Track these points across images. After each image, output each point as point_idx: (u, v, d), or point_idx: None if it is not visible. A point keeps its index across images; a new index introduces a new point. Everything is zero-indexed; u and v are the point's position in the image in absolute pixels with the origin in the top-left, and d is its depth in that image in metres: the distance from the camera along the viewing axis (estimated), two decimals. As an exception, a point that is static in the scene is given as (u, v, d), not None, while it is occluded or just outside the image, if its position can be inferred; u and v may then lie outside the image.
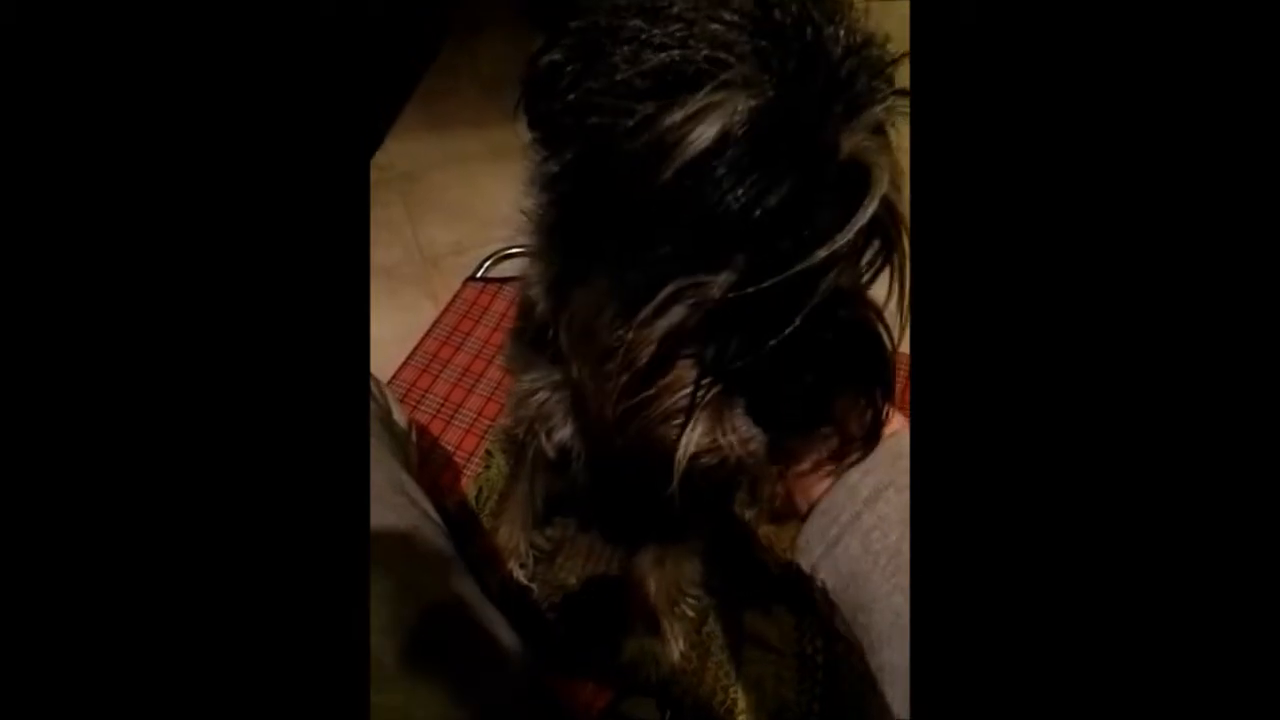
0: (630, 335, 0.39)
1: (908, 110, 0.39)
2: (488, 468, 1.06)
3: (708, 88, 0.36)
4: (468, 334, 1.26)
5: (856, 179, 0.38)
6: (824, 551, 0.43)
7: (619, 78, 0.39)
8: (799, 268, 0.36)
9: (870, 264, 0.44)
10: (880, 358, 0.39)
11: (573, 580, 0.94)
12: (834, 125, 0.37)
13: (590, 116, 0.41)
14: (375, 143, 1.64)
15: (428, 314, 1.31)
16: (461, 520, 0.98)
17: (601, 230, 0.43)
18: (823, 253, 0.36)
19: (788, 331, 0.35)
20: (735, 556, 0.94)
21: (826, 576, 0.42)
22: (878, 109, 0.38)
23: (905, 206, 0.41)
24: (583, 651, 0.86)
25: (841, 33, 0.37)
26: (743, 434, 0.37)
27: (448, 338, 1.26)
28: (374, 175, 1.60)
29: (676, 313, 0.38)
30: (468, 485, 1.05)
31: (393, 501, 0.58)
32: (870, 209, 0.37)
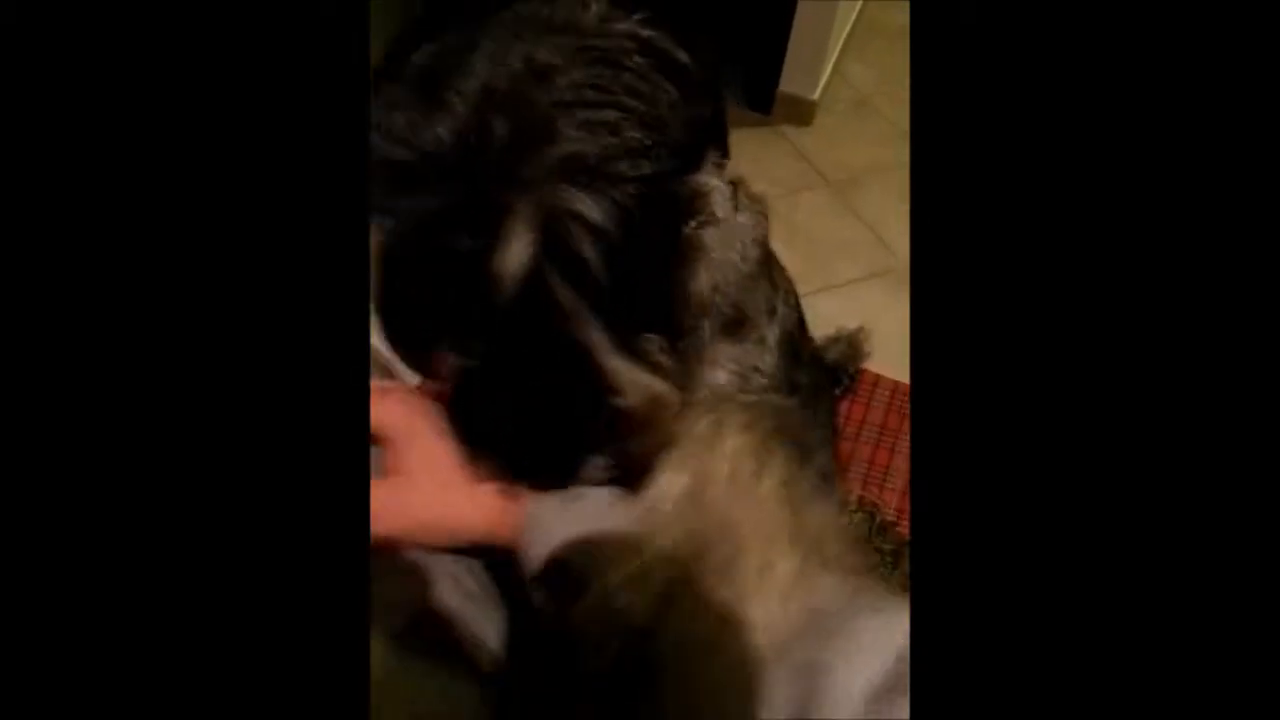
0: None
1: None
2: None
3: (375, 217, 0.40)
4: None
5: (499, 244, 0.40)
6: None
7: None
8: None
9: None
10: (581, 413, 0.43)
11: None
12: (493, 205, 0.39)
13: None
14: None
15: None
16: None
17: None
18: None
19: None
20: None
21: None
22: (563, 190, 0.39)
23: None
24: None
25: (505, 121, 0.39)
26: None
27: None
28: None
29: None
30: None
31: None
32: (508, 276, 0.39)
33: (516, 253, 0.39)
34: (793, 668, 0.39)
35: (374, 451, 0.47)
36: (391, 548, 0.48)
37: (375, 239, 0.41)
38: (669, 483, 0.45)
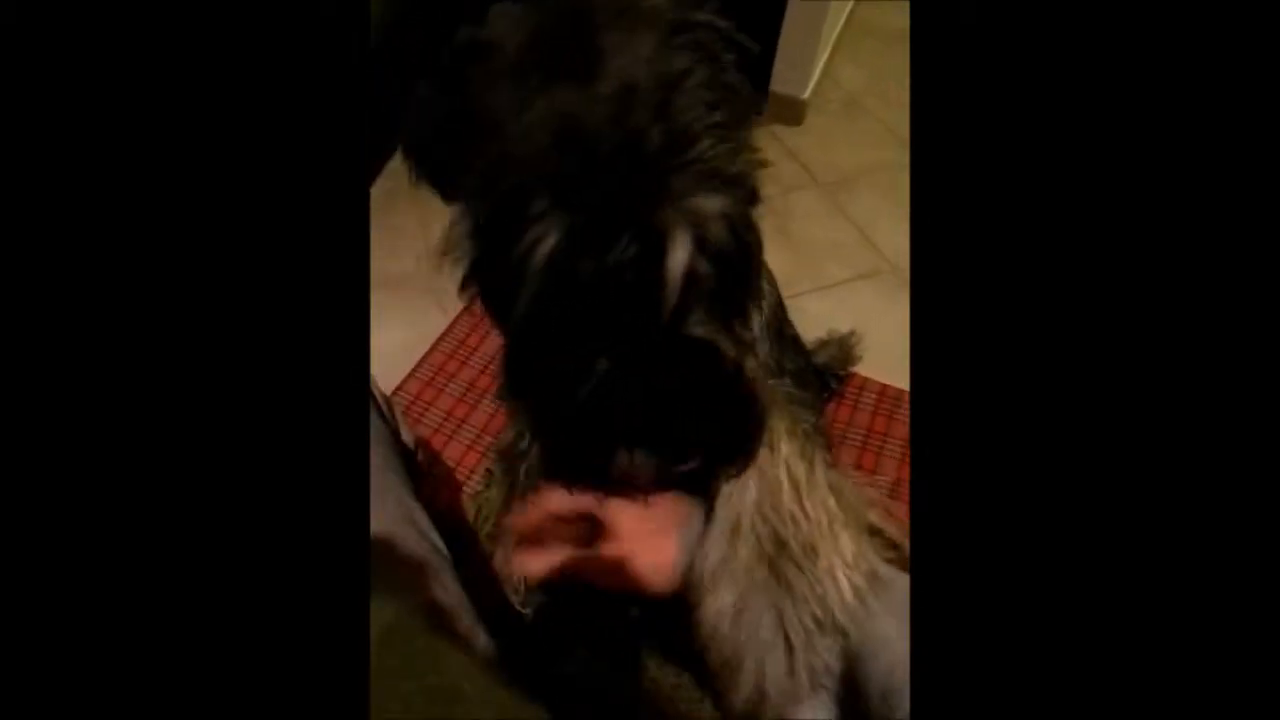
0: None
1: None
2: (488, 486, 1.06)
3: (534, 228, 0.40)
4: (475, 349, 1.26)
5: (658, 256, 0.42)
6: None
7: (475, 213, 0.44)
8: (638, 359, 0.42)
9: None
10: (732, 394, 0.46)
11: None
12: (648, 216, 0.40)
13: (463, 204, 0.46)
14: (390, 151, 1.64)
15: (436, 325, 1.32)
16: (459, 539, 0.98)
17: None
18: (650, 341, 0.42)
19: (659, 400, 0.43)
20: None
21: None
22: (703, 197, 0.41)
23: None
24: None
25: (660, 130, 0.40)
26: (650, 467, 0.46)
27: (454, 351, 1.26)
28: (387, 183, 1.60)
29: (581, 394, 0.45)
30: (467, 503, 1.05)
31: (404, 534, 0.59)
32: (671, 291, 0.41)
33: (680, 259, 0.41)
34: (858, 625, 0.48)
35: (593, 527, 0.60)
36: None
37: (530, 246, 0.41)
38: (742, 494, 0.53)
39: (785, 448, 0.54)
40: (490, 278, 0.46)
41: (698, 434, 0.45)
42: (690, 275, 0.42)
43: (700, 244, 0.42)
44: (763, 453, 0.52)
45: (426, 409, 1.17)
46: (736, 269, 0.45)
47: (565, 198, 0.40)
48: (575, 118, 0.40)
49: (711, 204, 0.42)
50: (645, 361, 0.43)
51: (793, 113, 1.84)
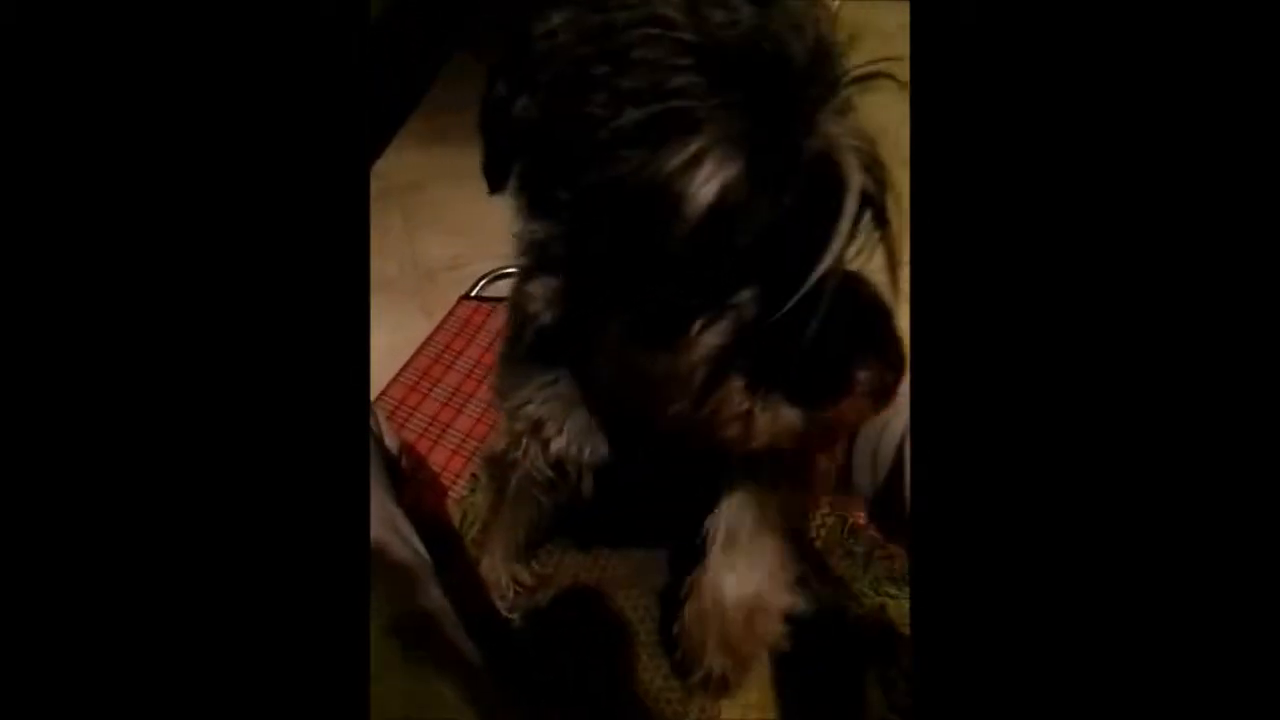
0: (675, 363, 0.44)
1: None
2: (473, 491, 1.05)
3: (693, 141, 0.39)
4: (460, 353, 1.25)
5: (831, 175, 0.41)
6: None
7: (601, 133, 0.42)
8: (807, 286, 0.41)
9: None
10: (885, 326, 0.45)
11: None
12: (805, 129, 0.41)
13: (572, 166, 0.44)
14: (375, 153, 1.63)
15: (421, 328, 1.30)
16: (443, 544, 0.97)
17: (610, 269, 0.46)
18: (822, 266, 0.41)
19: (812, 333, 0.41)
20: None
21: None
22: (841, 95, 0.42)
23: (890, 169, 0.45)
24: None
25: (805, 40, 0.41)
26: (789, 421, 0.44)
27: (439, 356, 1.25)
28: (373, 186, 1.59)
29: (711, 338, 0.43)
30: (452, 508, 1.03)
31: (387, 539, 0.58)
32: (850, 211, 0.41)
33: (858, 180, 0.41)
34: None
35: None
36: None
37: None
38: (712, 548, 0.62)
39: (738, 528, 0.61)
40: (614, 201, 0.43)
41: (847, 378, 0.43)
42: (863, 198, 0.42)
43: (866, 168, 0.42)
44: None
45: (411, 414, 1.15)
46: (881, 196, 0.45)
47: (744, 99, 0.39)
48: (763, 31, 0.40)
49: (861, 127, 0.42)
50: (796, 298, 0.41)
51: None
